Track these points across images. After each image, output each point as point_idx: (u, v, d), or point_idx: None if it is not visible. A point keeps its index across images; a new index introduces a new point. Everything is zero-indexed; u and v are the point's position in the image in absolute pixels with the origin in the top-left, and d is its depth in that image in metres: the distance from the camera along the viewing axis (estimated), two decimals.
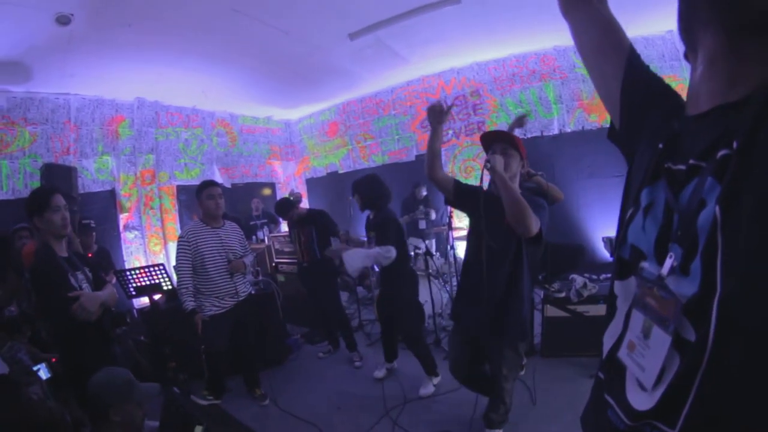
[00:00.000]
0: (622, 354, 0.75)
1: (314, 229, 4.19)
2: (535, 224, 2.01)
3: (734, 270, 0.54)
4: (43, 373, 1.95)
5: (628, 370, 0.73)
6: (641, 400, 0.68)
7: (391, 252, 3.17)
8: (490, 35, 5.19)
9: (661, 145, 0.73)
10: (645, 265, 0.73)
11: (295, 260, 4.71)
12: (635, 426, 0.68)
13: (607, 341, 0.81)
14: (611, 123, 0.94)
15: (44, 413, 1.61)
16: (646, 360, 0.68)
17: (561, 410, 2.73)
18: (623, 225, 0.79)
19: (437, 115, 2.25)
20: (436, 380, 3.36)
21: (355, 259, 3.24)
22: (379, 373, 3.67)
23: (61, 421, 1.71)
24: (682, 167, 0.67)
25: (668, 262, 0.66)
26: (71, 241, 2.56)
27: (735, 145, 0.57)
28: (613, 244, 0.83)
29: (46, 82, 4.58)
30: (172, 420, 1.98)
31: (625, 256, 0.78)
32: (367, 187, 3.43)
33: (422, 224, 6.29)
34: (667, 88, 0.85)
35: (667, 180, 0.70)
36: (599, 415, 0.79)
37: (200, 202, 3.26)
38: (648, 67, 0.87)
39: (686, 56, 0.76)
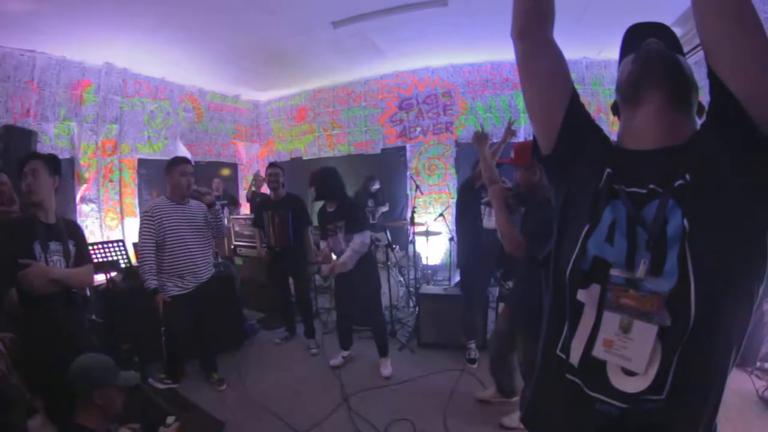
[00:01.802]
0: (598, 352, 0.82)
1: (291, 213, 4.09)
2: (518, 249, 2.24)
3: (701, 267, 0.72)
4: None
5: (609, 364, 0.82)
6: (632, 384, 0.79)
7: (366, 236, 3.31)
8: (470, 40, 5.31)
9: (609, 170, 0.88)
10: (614, 272, 0.82)
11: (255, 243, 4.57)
12: (629, 407, 0.79)
13: (576, 346, 0.87)
14: (536, 144, 1.05)
15: (9, 389, 1.57)
16: (631, 350, 0.78)
17: (509, 403, 2.93)
18: (580, 240, 0.86)
19: (482, 139, 2.59)
20: (389, 361, 3.60)
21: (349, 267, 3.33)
22: (336, 361, 3.74)
23: (23, 399, 1.67)
24: (642, 191, 0.83)
25: (642, 267, 0.79)
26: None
27: (688, 177, 0.77)
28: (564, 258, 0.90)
29: (10, 36, 4.25)
30: (133, 406, 1.96)
31: (586, 267, 0.85)
32: (325, 177, 3.46)
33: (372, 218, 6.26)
34: (596, 125, 1.00)
35: (629, 200, 0.84)
36: (583, 412, 0.85)
37: (171, 178, 3.17)
38: (584, 105, 1.00)
39: (614, 108, 0.99)
